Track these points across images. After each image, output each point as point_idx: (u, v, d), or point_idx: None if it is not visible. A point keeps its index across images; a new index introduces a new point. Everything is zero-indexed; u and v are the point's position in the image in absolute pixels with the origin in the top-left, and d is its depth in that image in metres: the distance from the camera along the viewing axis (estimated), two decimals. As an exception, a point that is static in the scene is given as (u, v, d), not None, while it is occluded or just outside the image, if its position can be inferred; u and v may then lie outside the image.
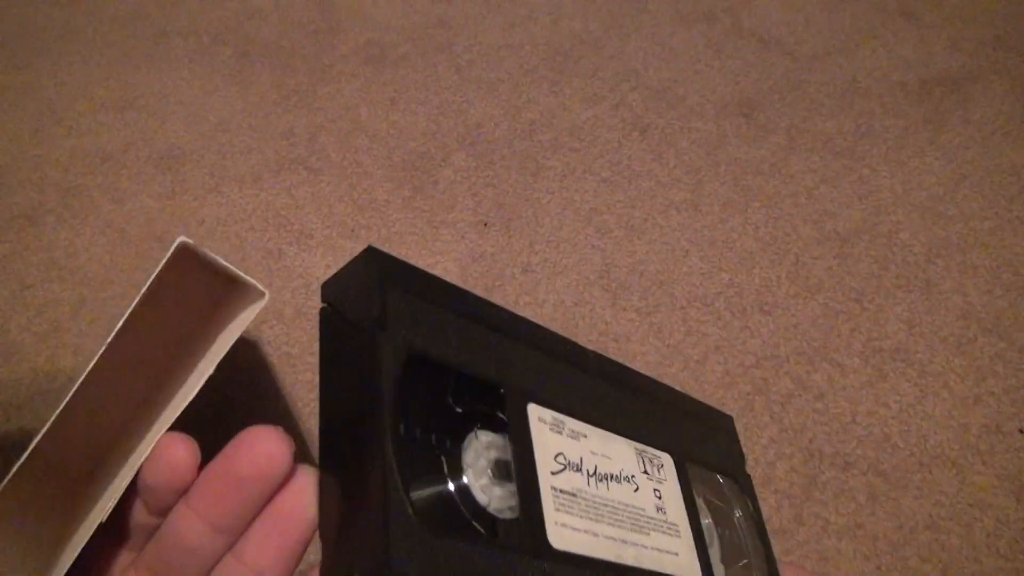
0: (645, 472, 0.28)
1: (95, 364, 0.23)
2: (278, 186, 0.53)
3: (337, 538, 0.21)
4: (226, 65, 0.62)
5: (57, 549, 0.24)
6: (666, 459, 0.29)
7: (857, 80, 0.65)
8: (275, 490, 0.22)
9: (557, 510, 0.24)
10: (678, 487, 0.29)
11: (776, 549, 0.32)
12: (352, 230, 0.51)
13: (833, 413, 0.44)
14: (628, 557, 0.25)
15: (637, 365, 0.46)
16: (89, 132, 0.56)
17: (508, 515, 0.23)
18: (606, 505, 0.26)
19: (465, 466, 0.24)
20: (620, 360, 0.32)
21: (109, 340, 0.23)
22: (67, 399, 0.22)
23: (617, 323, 0.48)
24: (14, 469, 0.22)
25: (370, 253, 0.24)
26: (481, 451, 0.25)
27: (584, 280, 0.50)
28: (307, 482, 0.22)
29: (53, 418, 0.22)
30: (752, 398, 0.45)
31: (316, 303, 0.46)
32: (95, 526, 0.22)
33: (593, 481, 0.26)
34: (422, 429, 0.23)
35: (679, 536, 0.27)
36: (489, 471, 0.24)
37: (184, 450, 0.21)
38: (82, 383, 0.23)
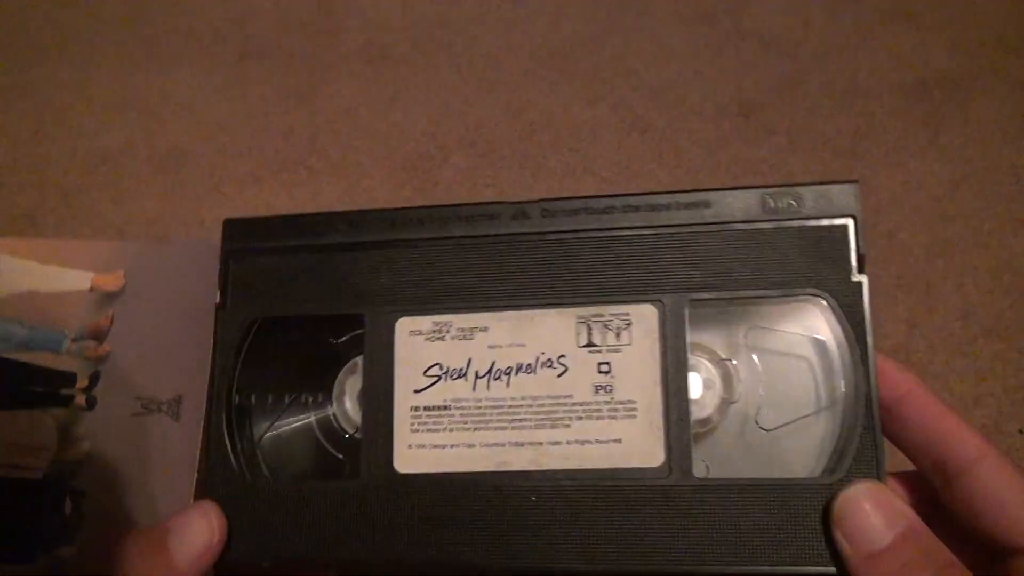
0: (589, 344, 0.25)
1: None
2: (278, 186, 0.53)
3: None
4: (226, 65, 0.62)
5: None
6: (642, 313, 0.25)
7: (857, 80, 0.65)
8: None
9: (414, 431, 0.25)
10: (655, 347, 0.25)
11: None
12: (352, 230, 0.51)
13: (833, 413, 0.44)
14: (519, 461, 0.24)
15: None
16: (89, 132, 0.56)
17: None
18: (497, 407, 0.25)
19: (343, 394, 0.27)
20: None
21: None
22: None
23: (617, 323, 0.48)
24: None
25: (224, 226, 0.27)
26: (359, 376, 0.27)
27: (584, 280, 0.50)
28: None
29: None
30: (752, 398, 0.45)
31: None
32: None
33: (484, 383, 0.25)
34: (274, 381, 0.26)
35: (633, 416, 0.24)
36: (357, 397, 0.26)
37: None
38: None
